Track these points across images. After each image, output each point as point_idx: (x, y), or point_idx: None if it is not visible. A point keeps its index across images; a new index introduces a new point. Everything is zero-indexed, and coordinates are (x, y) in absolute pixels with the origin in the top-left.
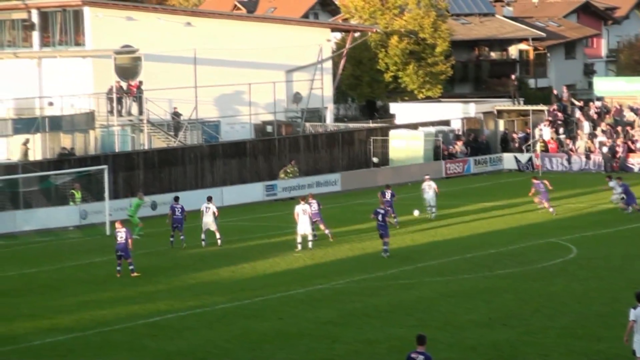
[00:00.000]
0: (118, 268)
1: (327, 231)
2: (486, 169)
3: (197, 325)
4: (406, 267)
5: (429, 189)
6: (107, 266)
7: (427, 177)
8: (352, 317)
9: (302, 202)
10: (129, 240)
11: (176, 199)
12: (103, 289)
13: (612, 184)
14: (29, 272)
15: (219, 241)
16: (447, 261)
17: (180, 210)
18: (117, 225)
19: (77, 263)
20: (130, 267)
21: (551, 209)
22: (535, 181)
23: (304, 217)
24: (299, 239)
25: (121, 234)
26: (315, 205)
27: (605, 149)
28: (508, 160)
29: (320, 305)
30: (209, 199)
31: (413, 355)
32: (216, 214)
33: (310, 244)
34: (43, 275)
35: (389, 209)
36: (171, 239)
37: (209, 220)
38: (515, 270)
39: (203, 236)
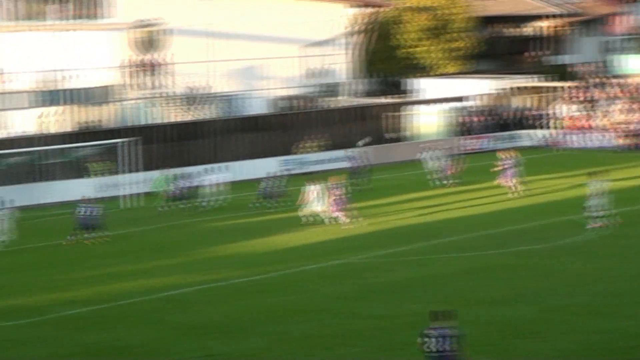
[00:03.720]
0: (86, 235)
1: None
2: (504, 146)
3: (212, 299)
4: (422, 243)
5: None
6: (122, 240)
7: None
8: (368, 293)
9: (318, 181)
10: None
11: (180, 176)
12: (119, 262)
13: (507, 161)
14: (48, 244)
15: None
16: (465, 238)
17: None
18: (84, 200)
19: (94, 236)
20: (93, 236)
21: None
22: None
23: (318, 194)
24: (314, 215)
25: (85, 210)
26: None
27: (623, 126)
28: (526, 136)
29: (335, 280)
30: (213, 170)
31: (427, 332)
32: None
33: (327, 220)
34: (61, 248)
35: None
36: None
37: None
38: (533, 247)
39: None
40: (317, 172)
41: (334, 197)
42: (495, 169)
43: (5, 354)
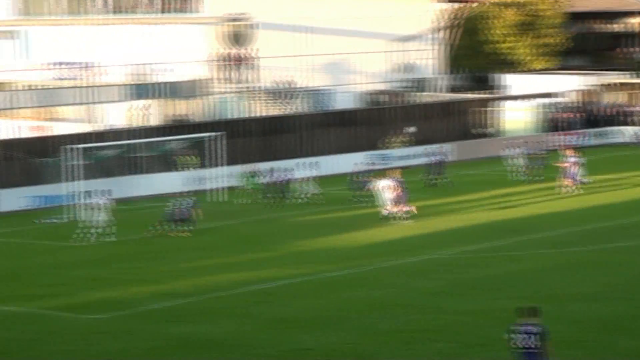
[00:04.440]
0: (172, 227)
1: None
2: (594, 142)
3: (299, 293)
4: (510, 239)
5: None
6: (210, 233)
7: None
8: (455, 288)
9: (391, 176)
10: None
11: (267, 171)
12: (207, 256)
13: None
14: (137, 237)
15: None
16: (551, 234)
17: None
18: (176, 195)
19: (179, 229)
20: (179, 228)
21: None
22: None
23: (390, 189)
24: (397, 212)
25: (180, 203)
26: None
27: None
28: (617, 133)
29: (422, 276)
30: (304, 166)
31: (514, 327)
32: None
33: (405, 216)
34: (150, 241)
35: None
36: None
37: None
38: (621, 244)
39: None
40: (403, 167)
41: (395, 193)
42: (559, 164)
43: (92, 347)
